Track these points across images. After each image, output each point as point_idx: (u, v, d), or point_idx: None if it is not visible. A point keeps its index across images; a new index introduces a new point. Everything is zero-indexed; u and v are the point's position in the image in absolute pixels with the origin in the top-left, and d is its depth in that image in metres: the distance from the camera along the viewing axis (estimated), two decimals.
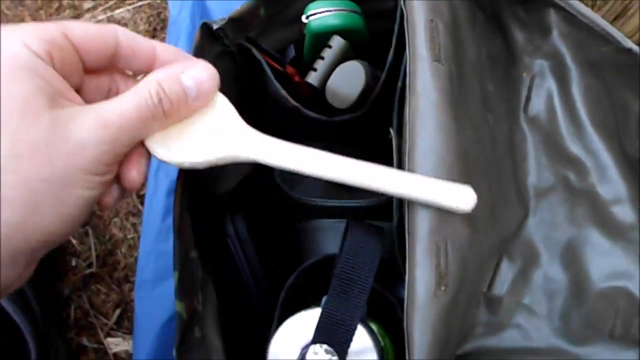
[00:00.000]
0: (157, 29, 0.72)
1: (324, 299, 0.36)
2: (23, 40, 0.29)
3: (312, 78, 0.42)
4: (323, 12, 0.44)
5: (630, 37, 0.49)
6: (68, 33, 0.31)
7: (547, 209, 0.45)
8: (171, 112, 0.32)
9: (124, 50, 0.33)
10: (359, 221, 0.38)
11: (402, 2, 0.40)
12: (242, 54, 0.45)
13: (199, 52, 0.42)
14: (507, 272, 0.44)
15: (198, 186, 0.44)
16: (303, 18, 0.45)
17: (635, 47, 0.35)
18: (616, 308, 0.42)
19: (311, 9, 0.45)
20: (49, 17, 0.73)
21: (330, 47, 0.42)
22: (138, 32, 0.72)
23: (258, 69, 0.44)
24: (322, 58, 0.42)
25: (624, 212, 0.42)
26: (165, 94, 0.32)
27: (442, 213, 0.35)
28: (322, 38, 0.45)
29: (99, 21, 0.73)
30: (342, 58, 0.42)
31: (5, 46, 0.28)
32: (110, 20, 0.73)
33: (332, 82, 0.42)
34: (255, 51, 0.44)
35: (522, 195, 0.45)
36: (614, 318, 0.42)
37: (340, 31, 0.45)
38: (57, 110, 0.29)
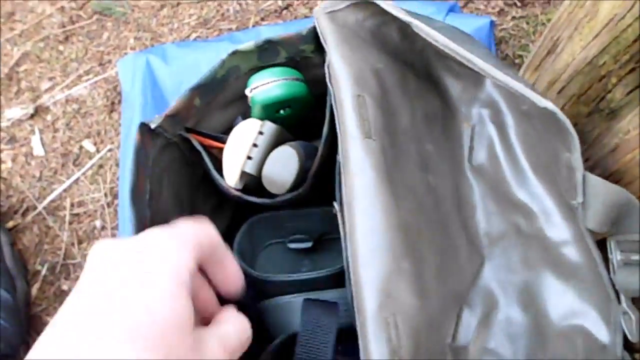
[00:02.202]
0: (114, 102, 0.73)
1: None
2: (183, 255, 0.30)
3: (249, 167, 0.43)
4: (267, 82, 0.45)
5: (561, 74, 0.50)
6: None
7: (502, 255, 0.46)
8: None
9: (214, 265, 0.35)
10: (313, 301, 0.39)
11: (328, 79, 0.41)
12: (185, 143, 0.46)
13: (142, 149, 0.43)
14: (469, 321, 0.45)
15: None
16: (247, 91, 0.46)
17: (549, 105, 0.36)
18: (576, 347, 0.43)
19: (254, 81, 0.46)
20: (9, 101, 0.74)
21: (262, 133, 0.43)
22: (96, 107, 0.73)
23: (200, 159, 0.46)
24: (256, 145, 0.43)
25: (571, 253, 0.43)
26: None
27: (388, 289, 0.36)
28: (267, 108, 0.46)
29: (57, 101, 0.74)
30: (276, 142, 0.43)
31: (170, 259, 0.30)
32: (68, 98, 0.74)
33: (266, 170, 0.43)
34: (195, 142, 0.45)
35: (475, 244, 0.46)
36: (574, 356, 0.43)
37: (285, 100, 0.46)
38: (196, 330, 0.30)
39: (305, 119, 0.49)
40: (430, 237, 0.41)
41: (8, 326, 0.61)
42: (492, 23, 0.65)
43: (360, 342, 0.36)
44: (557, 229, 0.43)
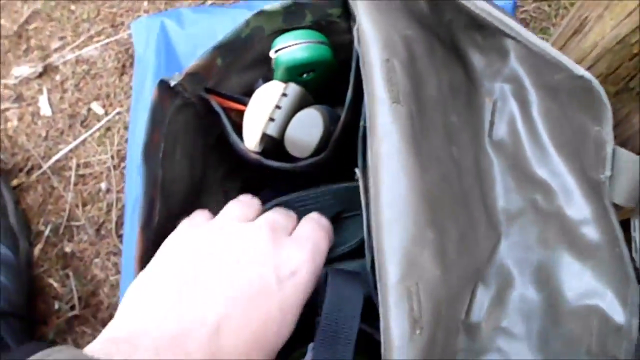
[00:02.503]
0: (125, 65, 0.72)
1: (310, 351, 0.36)
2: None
3: (271, 129, 0.42)
4: (292, 44, 0.44)
5: (589, 53, 0.49)
6: None
7: (519, 232, 0.45)
8: None
9: None
10: (338, 272, 0.38)
11: (356, 42, 0.40)
12: (203, 105, 0.45)
13: (159, 107, 0.42)
14: (483, 298, 0.44)
15: (162, 240, 0.44)
16: (271, 53, 0.45)
17: (586, 74, 0.36)
18: (590, 327, 0.43)
19: (279, 43, 0.45)
20: (18, 59, 0.73)
21: (285, 95, 0.43)
22: (107, 69, 0.72)
23: (219, 121, 0.45)
24: (279, 107, 0.42)
25: (591, 233, 0.43)
26: None
27: (412, 258, 0.35)
28: (291, 71, 0.45)
29: (67, 61, 0.72)
30: (300, 105, 0.43)
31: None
32: (78, 59, 0.72)
33: (290, 132, 0.42)
34: (214, 103, 0.44)
35: (493, 221, 0.45)
36: (589, 336, 0.43)
37: (309, 63, 0.45)
38: None
39: (328, 85, 0.48)
40: (452, 209, 0.41)
41: (9, 284, 0.60)
42: (515, 4, 0.64)
43: (380, 310, 0.35)
44: (577, 207, 0.43)
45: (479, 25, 0.44)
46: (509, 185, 0.45)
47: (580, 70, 0.37)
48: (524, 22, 0.68)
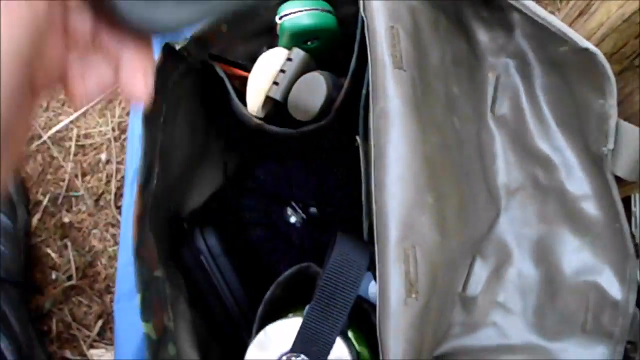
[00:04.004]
0: None
1: (307, 308, 0.36)
2: None
3: (274, 92, 0.42)
4: (296, 12, 0.44)
5: (594, 33, 0.49)
6: None
7: (518, 207, 0.45)
8: None
9: None
10: (347, 237, 0.38)
11: (361, 9, 0.40)
12: (207, 71, 0.45)
13: (162, 71, 0.42)
14: (480, 272, 0.45)
15: (161, 207, 0.44)
16: (276, 18, 0.45)
17: (591, 46, 0.36)
18: (587, 302, 0.43)
19: (284, 9, 0.45)
20: None
21: (290, 59, 0.42)
22: None
23: (222, 87, 0.44)
24: (283, 71, 0.42)
25: (591, 208, 0.43)
26: None
27: (410, 220, 0.35)
28: (296, 37, 0.45)
29: None
30: (304, 70, 0.42)
31: None
32: None
33: (293, 95, 0.42)
34: (218, 68, 0.44)
35: (493, 195, 0.45)
36: (585, 312, 0.43)
37: (314, 30, 0.45)
38: None
39: (332, 55, 0.48)
40: (452, 177, 0.41)
41: (7, 252, 0.60)
42: None
43: (377, 272, 0.35)
44: (578, 182, 0.43)
45: (485, 0, 0.44)
46: (510, 160, 0.45)
47: (584, 43, 0.37)
48: None
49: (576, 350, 0.43)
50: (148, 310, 0.39)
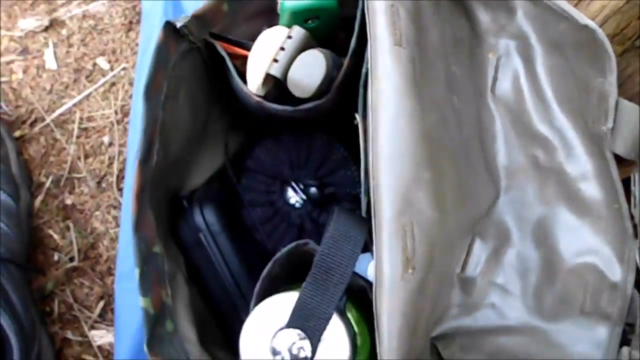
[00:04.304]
0: (132, 22, 0.71)
1: (304, 285, 0.36)
2: None
3: (274, 69, 0.42)
4: None
5: (596, 16, 0.49)
6: None
7: (518, 188, 0.45)
8: None
9: None
10: (345, 211, 0.38)
11: None
12: (209, 50, 0.45)
13: (163, 50, 0.42)
14: (480, 253, 0.44)
15: (161, 185, 0.44)
16: None
17: (591, 23, 0.36)
18: (585, 284, 0.43)
19: None
20: (24, 12, 0.73)
21: (290, 37, 0.42)
22: (113, 25, 0.72)
23: (223, 65, 0.45)
24: (283, 49, 0.42)
25: (590, 189, 0.43)
26: None
27: (408, 195, 0.35)
28: (296, 16, 0.45)
29: (73, 16, 0.72)
30: (303, 48, 0.42)
31: None
32: (85, 14, 0.72)
33: (292, 72, 0.42)
34: (219, 47, 0.44)
35: (493, 175, 0.45)
36: (584, 293, 0.43)
37: (314, 9, 0.45)
38: None
39: (332, 34, 0.48)
40: (451, 155, 0.41)
41: (9, 231, 0.60)
42: None
43: (374, 248, 0.35)
44: (578, 162, 0.43)
45: None
46: (510, 141, 0.45)
47: (584, 19, 0.37)
48: None
49: (575, 332, 0.43)
50: (146, 284, 0.39)
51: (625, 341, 0.42)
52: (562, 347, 0.43)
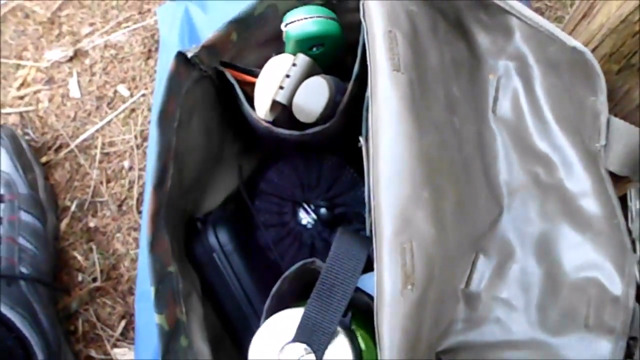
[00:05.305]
0: (151, 50, 0.74)
1: (309, 301, 0.38)
2: None
3: (280, 96, 0.44)
4: (302, 18, 0.46)
5: (595, 35, 0.50)
6: None
7: (520, 205, 0.46)
8: None
9: None
10: (348, 231, 0.40)
11: (362, 15, 0.42)
12: (219, 78, 0.48)
13: (175, 79, 0.45)
14: (483, 268, 0.46)
15: (176, 208, 0.46)
16: (282, 26, 0.47)
17: (578, 45, 0.37)
18: (588, 298, 0.43)
19: (289, 17, 0.47)
20: (50, 44, 0.76)
21: (295, 65, 0.44)
22: (133, 54, 0.75)
23: (233, 92, 0.47)
24: (288, 76, 0.44)
25: (590, 205, 0.44)
26: None
27: (406, 215, 0.37)
28: (301, 44, 0.47)
29: (96, 46, 0.76)
30: (308, 75, 0.44)
31: None
32: (107, 44, 0.76)
33: (297, 98, 0.44)
34: (228, 75, 0.46)
35: (495, 193, 0.46)
36: (587, 308, 0.43)
37: (318, 37, 0.47)
38: None
39: (336, 61, 0.50)
40: (451, 174, 0.42)
41: (37, 252, 0.63)
42: None
43: (375, 266, 0.36)
44: (577, 180, 0.44)
45: (484, 4, 0.46)
46: (511, 159, 0.46)
47: (572, 42, 0.39)
48: (539, 11, 0.68)
49: (579, 346, 0.43)
50: (161, 302, 0.41)
51: (629, 355, 0.43)
52: None
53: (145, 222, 0.63)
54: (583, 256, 0.44)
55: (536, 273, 0.45)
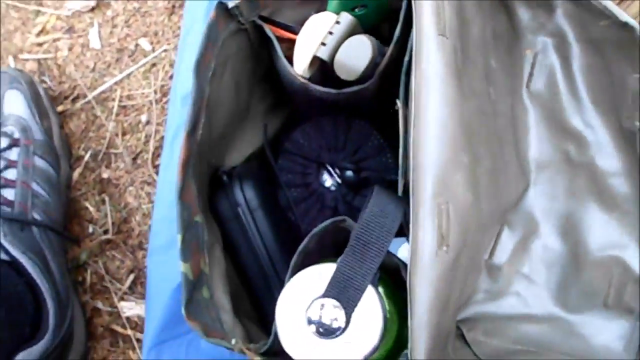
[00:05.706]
0: (175, 6, 0.73)
1: (341, 257, 0.38)
2: None
3: (322, 52, 0.44)
4: None
5: (636, 17, 0.50)
6: None
7: (547, 182, 0.46)
8: None
9: None
10: (384, 189, 0.40)
11: None
12: (256, 32, 0.47)
13: (214, 28, 0.44)
14: (507, 242, 0.46)
15: (204, 159, 0.46)
16: None
17: (631, 21, 0.37)
18: (610, 277, 0.44)
19: None
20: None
21: (338, 23, 0.44)
22: (157, 8, 0.74)
23: (270, 47, 0.46)
24: (331, 33, 0.44)
25: (620, 185, 0.44)
26: None
27: (445, 177, 0.37)
28: (345, 3, 0.47)
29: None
30: (351, 34, 0.44)
31: None
32: None
33: (340, 54, 0.44)
34: (267, 29, 0.46)
35: (523, 168, 0.47)
36: (608, 287, 0.44)
37: None
38: None
39: (377, 24, 0.49)
40: (487, 143, 0.42)
41: (49, 199, 0.62)
42: None
43: (411, 226, 0.36)
44: (609, 159, 0.44)
45: None
46: (542, 135, 0.47)
47: (625, 17, 0.39)
48: None
49: (597, 324, 0.44)
50: (187, 251, 0.41)
51: None
52: (584, 338, 0.44)
53: (165, 177, 0.63)
54: (608, 235, 0.44)
55: (559, 250, 0.46)
